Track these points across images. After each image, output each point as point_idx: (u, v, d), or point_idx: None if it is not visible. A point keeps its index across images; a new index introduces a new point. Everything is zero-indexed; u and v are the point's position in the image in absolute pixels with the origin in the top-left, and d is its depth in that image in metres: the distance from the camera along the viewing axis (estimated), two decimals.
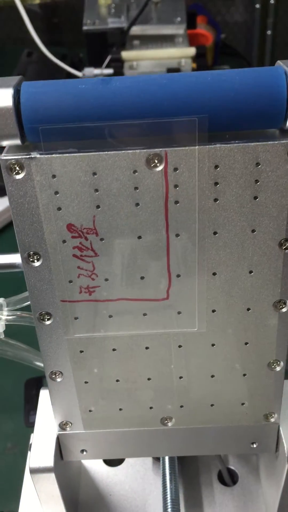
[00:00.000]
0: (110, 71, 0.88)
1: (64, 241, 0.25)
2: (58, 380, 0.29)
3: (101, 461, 0.39)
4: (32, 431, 0.37)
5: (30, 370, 0.43)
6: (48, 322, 0.27)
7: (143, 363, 0.29)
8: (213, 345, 0.28)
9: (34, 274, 0.25)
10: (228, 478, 0.37)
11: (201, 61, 0.89)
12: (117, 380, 0.29)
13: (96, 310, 0.27)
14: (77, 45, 1.28)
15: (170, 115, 0.22)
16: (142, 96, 0.22)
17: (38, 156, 0.23)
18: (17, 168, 0.23)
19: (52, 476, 0.31)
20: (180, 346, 0.28)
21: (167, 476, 0.34)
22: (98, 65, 0.91)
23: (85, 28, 1.00)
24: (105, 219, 0.24)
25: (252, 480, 0.37)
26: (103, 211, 0.24)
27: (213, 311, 0.27)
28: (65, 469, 0.33)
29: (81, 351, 0.28)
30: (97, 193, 0.23)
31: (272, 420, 0.31)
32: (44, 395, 0.34)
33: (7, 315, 0.31)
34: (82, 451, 0.32)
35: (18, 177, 0.23)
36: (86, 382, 0.29)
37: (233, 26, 1.54)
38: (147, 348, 0.28)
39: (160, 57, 0.90)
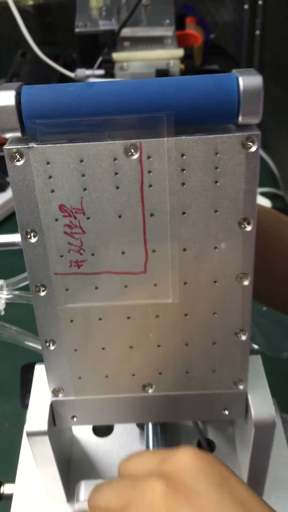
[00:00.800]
0: (101, 71, 0.92)
1: (56, 220, 0.29)
2: (51, 348, 0.33)
3: (91, 432, 0.43)
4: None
5: (26, 356, 0.47)
6: (43, 294, 0.31)
7: (125, 332, 0.33)
8: (185, 315, 0.32)
9: (31, 249, 0.30)
10: (206, 447, 0.40)
11: (189, 62, 0.94)
12: (103, 348, 0.33)
13: (84, 282, 0.31)
14: (70, 45, 1.33)
15: (143, 112, 0.27)
16: (120, 97, 0.27)
17: (35, 146, 0.27)
18: (18, 156, 0.28)
19: (46, 439, 0.35)
20: (157, 316, 0.32)
21: (150, 443, 0.37)
22: (90, 66, 0.95)
23: (77, 30, 1.05)
24: (91, 200, 0.29)
25: (228, 449, 0.40)
26: (89, 193, 0.29)
27: (185, 283, 0.31)
28: (58, 434, 0.37)
29: (71, 321, 0.32)
30: (83, 177, 0.28)
31: (241, 387, 0.35)
32: (38, 369, 0.38)
33: (7, 295, 0.35)
34: (73, 417, 0.36)
35: (19, 163, 0.28)
36: (75, 350, 0.33)
37: (223, 26, 1.60)
38: (128, 318, 0.32)
39: (149, 59, 0.94)
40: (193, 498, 0.24)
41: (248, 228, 0.29)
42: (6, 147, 0.27)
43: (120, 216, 0.29)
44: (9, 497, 0.43)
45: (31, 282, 0.31)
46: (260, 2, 1.48)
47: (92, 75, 0.91)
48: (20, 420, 0.47)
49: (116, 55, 0.95)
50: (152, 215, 0.29)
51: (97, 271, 0.31)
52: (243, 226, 0.29)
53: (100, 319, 0.32)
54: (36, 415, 0.35)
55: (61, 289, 0.31)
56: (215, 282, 0.31)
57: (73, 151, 0.28)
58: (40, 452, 0.36)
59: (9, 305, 0.37)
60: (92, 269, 0.31)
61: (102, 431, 0.43)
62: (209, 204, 0.29)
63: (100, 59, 0.95)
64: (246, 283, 0.31)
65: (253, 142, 0.27)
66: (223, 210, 0.29)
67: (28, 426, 0.35)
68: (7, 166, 0.28)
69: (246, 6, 1.50)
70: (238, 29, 1.57)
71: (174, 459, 0.27)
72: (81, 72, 0.92)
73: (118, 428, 0.44)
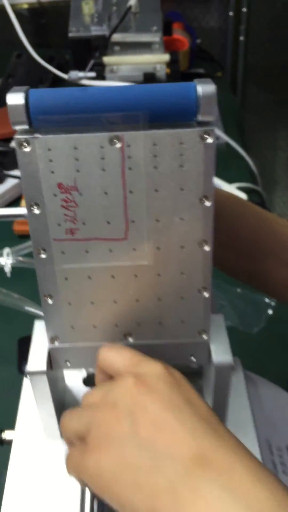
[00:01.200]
0: (93, 74, 0.99)
1: (55, 195, 0.37)
2: (50, 301, 0.41)
3: (81, 383, 0.50)
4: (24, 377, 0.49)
5: (22, 330, 0.55)
6: (43, 256, 0.39)
7: (110, 289, 0.40)
8: (158, 274, 0.40)
9: (35, 219, 0.38)
10: None
11: (174, 66, 1.02)
12: (92, 302, 0.41)
13: (76, 247, 0.39)
14: (62, 47, 1.40)
15: (125, 111, 0.35)
16: (107, 99, 0.35)
17: (39, 136, 0.35)
18: (25, 144, 0.35)
19: (44, 378, 0.42)
20: (136, 276, 0.40)
21: None
22: (82, 68, 1.02)
23: (70, 35, 1.13)
24: (83, 180, 0.36)
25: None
26: (81, 174, 0.36)
27: (158, 248, 0.39)
28: (54, 378, 0.45)
29: (66, 279, 0.40)
30: (77, 161, 0.36)
31: (204, 337, 0.42)
32: (37, 325, 0.45)
33: (12, 260, 0.43)
34: (66, 361, 0.44)
35: (26, 150, 0.35)
36: (69, 304, 0.41)
37: (209, 32, 1.69)
38: (112, 276, 0.40)
39: (137, 62, 1.01)
40: (154, 392, 0.33)
41: (207, 203, 0.37)
42: (16, 136, 0.35)
43: (106, 193, 0.37)
44: (9, 443, 0.51)
45: (34, 246, 0.39)
46: (244, 10, 1.58)
47: (84, 77, 0.99)
48: (18, 381, 0.55)
49: (106, 59, 1.03)
50: (131, 192, 0.37)
51: (87, 238, 0.38)
52: (203, 201, 0.37)
53: (89, 277, 0.40)
54: (36, 359, 0.43)
55: (58, 252, 0.39)
56: (182, 247, 0.39)
57: (69, 141, 0.35)
58: (39, 389, 0.43)
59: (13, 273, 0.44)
60: (83, 236, 0.38)
61: (91, 382, 0.51)
62: (176, 184, 0.37)
63: (91, 62, 1.03)
64: (206, 248, 0.39)
65: (209, 135, 0.35)
66: (187, 188, 0.37)
67: (30, 367, 0.42)
68: (16, 151, 0.35)
69: (231, 13, 1.59)
70: (223, 34, 1.66)
71: (149, 365, 0.35)
72: (74, 74, 1.00)
73: None
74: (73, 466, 0.37)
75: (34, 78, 1.23)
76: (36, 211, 0.37)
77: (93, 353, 0.43)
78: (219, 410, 0.45)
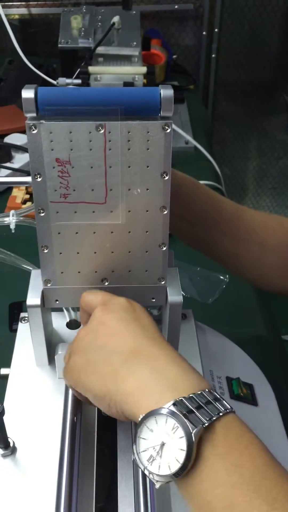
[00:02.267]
0: (78, 81, 1.12)
1: (53, 167, 0.49)
2: (45, 251, 0.53)
3: (65, 326, 0.63)
4: (14, 336, 0.62)
5: (14, 295, 0.68)
6: (42, 214, 0.51)
7: (92, 242, 0.53)
8: (129, 232, 0.53)
9: (37, 185, 0.50)
10: None
11: (151, 77, 1.16)
12: (78, 252, 0.53)
13: (68, 208, 0.51)
14: (50, 56, 1.53)
15: (108, 106, 0.48)
16: (95, 96, 0.48)
17: (43, 122, 0.48)
18: (33, 127, 0.48)
19: (39, 311, 0.55)
20: (112, 232, 0.53)
21: None
22: (69, 75, 1.16)
23: (60, 45, 1.27)
24: (75, 157, 0.49)
25: None
26: (74, 152, 0.49)
27: (129, 211, 0.52)
28: (45, 316, 0.57)
29: (59, 233, 0.52)
30: (71, 142, 0.48)
31: (163, 283, 0.55)
32: (34, 273, 0.57)
33: (16, 219, 0.55)
34: (56, 300, 0.56)
35: (33, 132, 0.48)
36: (60, 253, 0.53)
37: (184, 49, 1.87)
38: (94, 232, 0.53)
39: (118, 73, 1.15)
40: (113, 312, 0.47)
41: (166, 177, 0.50)
42: (27, 121, 0.48)
43: (91, 167, 0.50)
44: (5, 377, 0.63)
45: (35, 206, 0.51)
46: (216, 30, 1.74)
47: (71, 83, 1.11)
48: (9, 340, 0.67)
49: (91, 68, 1.16)
50: (110, 167, 0.50)
51: (76, 201, 0.51)
52: (163, 176, 0.50)
53: (76, 233, 0.52)
54: (33, 297, 0.55)
55: (53, 212, 0.51)
56: (147, 211, 0.52)
57: (66, 126, 0.48)
58: (34, 321, 0.55)
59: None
60: (73, 199, 0.51)
61: (73, 325, 0.63)
62: (143, 162, 0.49)
63: (78, 70, 1.16)
64: (165, 212, 0.52)
65: (168, 126, 0.48)
66: (151, 166, 0.50)
67: (29, 302, 0.54)
68: (26, 133, 0.48)
69: (204, 33, 1.75)
70: (197, 51, 1.82)
71: (115, 298, 0.48)
72: (62, 80, 1.13)
73: None
74: (64, 370, 0.50)
75: (24, 83, 1.35)
76: (39, 179, 0.50)
77: (77, 293, 0.55)
78: (173, 342, 0.58)
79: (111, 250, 0.54)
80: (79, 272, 0.55)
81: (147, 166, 0.50)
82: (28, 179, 0.52)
